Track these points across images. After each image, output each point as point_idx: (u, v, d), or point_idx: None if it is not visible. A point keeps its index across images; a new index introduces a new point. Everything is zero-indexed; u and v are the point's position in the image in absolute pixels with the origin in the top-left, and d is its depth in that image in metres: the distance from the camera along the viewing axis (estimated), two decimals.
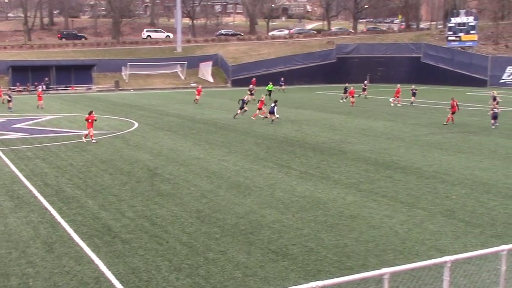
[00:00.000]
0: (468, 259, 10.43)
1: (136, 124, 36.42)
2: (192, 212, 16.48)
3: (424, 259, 11.99)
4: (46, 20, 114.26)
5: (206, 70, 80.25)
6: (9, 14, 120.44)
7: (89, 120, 29.22)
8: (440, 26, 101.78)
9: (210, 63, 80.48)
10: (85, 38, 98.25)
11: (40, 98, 47.65)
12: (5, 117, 41.27)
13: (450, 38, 79.27)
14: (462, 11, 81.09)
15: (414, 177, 20.86)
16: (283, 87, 65.40)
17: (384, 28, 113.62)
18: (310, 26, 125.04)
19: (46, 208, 16.99)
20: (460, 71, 74.92)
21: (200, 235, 14.45)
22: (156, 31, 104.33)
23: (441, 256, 9.40)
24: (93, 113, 29.90)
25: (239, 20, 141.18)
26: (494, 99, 38.33)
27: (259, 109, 39.09)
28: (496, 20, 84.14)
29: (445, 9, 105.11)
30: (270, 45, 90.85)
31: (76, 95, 65.48)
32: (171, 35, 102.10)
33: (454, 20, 78.92)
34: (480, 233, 14.54)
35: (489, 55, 75.10)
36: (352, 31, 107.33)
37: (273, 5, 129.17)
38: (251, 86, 54.70)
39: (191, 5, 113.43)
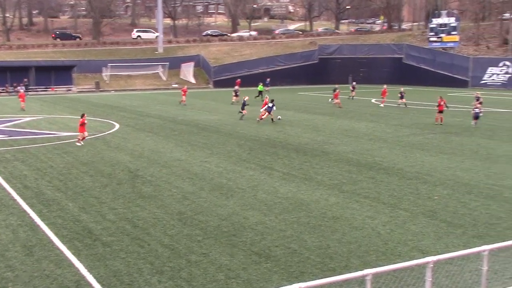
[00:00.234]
0: (450, 260, 10.47)
1: (117, 126, 36.16)
2: (174, 214, 16.37)
3: (406, 260, 12.02)
4: (25, 20, 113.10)
5: (187, 71, 79.96)
6: None
7: (85, 122, 28.69)
8: (422, 27, 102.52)
9: (191, 64, 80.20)
10: (80, 38, 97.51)
11: (22, 99, 47.18)
12: None
13: (431, 39, 79.77)
14: (444, 12, 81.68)
15: (397, 178, 20.94)
16: (268, 88, 65.31)
17: (371, 29, 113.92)
18: (292, 26, 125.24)
19: (25, 211, 16.77)
20: (442, 72, 75.46)
21: (182, 237, 14.35)
22: (146, 31, 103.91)
23: (423, 257, 9.40)
24: (85, 116, 29.30)
25: (221, 20, 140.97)
26: (478, 99, 38.69)
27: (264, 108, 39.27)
28: (477, 21, 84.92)
29: (426, 10, 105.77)
30: (252, 45, 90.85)
31: (56, 96, 64.88)
32: (161, 35, 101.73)
33: (436, 21, 79.44)
34: (462, 234, 14.62)
35: (470, 56, 75.76)
36: (339, 31, 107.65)
37: (255, 6, 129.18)
38: (236, 87, 54.51)
39: (173, 5, 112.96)
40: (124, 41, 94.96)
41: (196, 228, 15.07)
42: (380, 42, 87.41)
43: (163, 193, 18.89)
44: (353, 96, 55.12)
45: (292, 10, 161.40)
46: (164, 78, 79.19)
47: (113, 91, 71.89)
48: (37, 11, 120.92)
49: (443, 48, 78.71)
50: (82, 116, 29.03)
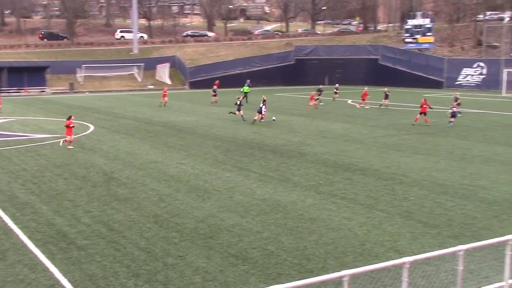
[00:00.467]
0: (426, 260, 10.53)
1: (92, 127, 35.79)
2: (150, 217, 16.24)
3: (383, 260, 12.06)
4: None
5: (163, 72, 79.52)
6: None
7: (71, 125, 28.17)
8: (397, 28, 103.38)
9: (167, 64, 79.76)
10: (67, 39, 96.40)
11: None
12: None
13: (407, 40, 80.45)
14: (419, 13, 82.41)
15: (373, 179, 21.03)
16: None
17: (356, 29, 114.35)
18: (268, 27, 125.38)
19: None
20: (417, 73, 76.11)
21: (158, 240, 14.25)
22: (130, 31, 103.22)
23: (400, 257, 9.45)
24: (72, 118, 28.82)
25: (196, 21, 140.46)
26: (456, 100, 39.12)
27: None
28: (451, 22, 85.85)
29: (401, 11, 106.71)
30: (228, 46, 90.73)
31: (29, 97, 64.03)
32: (145, 35, 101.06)
33: (411, 22, 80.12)
34: (438, 234, 14.72)
35: (445, 57, 76.58)
36: (318, 32, 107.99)
37: (231, 6, 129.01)
38: (214, 87, 54.30)
39: (148, 5, 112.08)
40: (99, 41, 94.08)
41: (173, 231, 14.97)
42: (356, 43, 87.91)
43: (138, 195, 18.73)
44: (334, 98, 54.97)
45: (268, 11, 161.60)
46: (139, 79, 78.66)
47: (87, 93, 71.18)
48: (9, 11, 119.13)
49: (418, 49, 79.45)
50: (69, 118, 28.51)
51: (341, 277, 8.04)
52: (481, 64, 72.30)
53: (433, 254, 9.62)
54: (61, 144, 28.55)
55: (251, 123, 37.13)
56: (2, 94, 64.54)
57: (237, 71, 79.03)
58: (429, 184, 20.15)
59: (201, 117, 41.86)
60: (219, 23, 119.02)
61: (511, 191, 19.07)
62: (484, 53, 76.37)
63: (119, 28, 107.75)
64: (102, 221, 15.83)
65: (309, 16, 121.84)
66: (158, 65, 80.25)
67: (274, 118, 39.00)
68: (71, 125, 28.13)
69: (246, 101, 50.74)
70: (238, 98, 40.70)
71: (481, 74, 72.05)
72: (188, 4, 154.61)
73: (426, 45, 78.82)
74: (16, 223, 15.61)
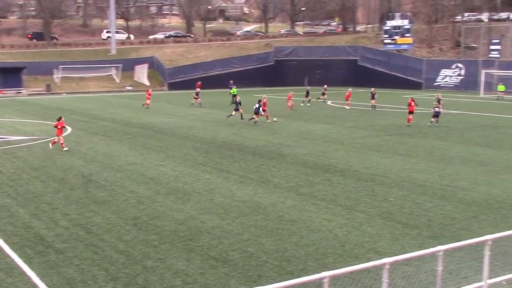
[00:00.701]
0: (406, 261, 10.57)
1: (69, 129, 35.36)
2: (129, 220, 16.11)
3: (363, 261, 12.06)
4: None
5: (141, 73, 79.03)
6: None
7: (58, 127, 27.72)
8: (376, 29, 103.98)
9: (145, 65, 79.28)
10: (56, 39, 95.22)
11: None
12: None
13: (386, 41, 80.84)
14: (397, 14, 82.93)
15: (353, 180, 21.09)
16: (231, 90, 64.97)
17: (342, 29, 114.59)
18: (248, 28, 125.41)
19: None
20: (396, 74, 76.55)
21: (137, 243, 14.14)
22: (116, 32, 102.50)
23: (380, 258, 9.46)
24: (62, 119, 28.43)
25: (175, 21, 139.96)
26: (438, 101, 39.46)
27: (264, 110, 39.31)
28: (430, 23, 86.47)
29: (380, 12, 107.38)
30: (208, 47, 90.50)
31: (5, 99, 63.13)
32: (132, 36, 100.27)
33: (390, 23, 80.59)
34: (417, 235, 14.79)
35: (423, 58, 77.18)
36: (301, 33, 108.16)
37: (209, 7, 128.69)
38: (197, 89, 54.04)
39: (125, 6, 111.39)
40: (76, 42, 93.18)
41: (152, 233, 14.86)
42: (335, 44, 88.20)
43: (117, 198, 18.58)
44: (319, 99, 54.92)
45: (247, 12, 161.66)
46: (117, 80, 78.09)
47: (64, 94, 70.49)
48: None
49: (397, 50, 79.95)
50: (59, 119, 28.08)
51: (321, 279, 8.03)
52: (460, 65, 73.04)
53: (412, 255, 9.66)
54: (50, 146, 28.10)
55: (253, 123, 37.22)
56: None
57: (216, 72, 78.90)
58: (409, 185, 20.26)
59: (180, 118, 41.68)
60: (198, 24, 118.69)
61: (490, 192, 19.24)
62: (462, 54, 77.16)
63: (96, 29, 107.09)
64: (80, 224, 15.66)
65: (288, 17, 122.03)
66: (137, 66, 79.78)
67: (275, 119, 39.13)
68: (59, 126, 27.69)
69: (232, 103, 50.54)
70: (236, 98, 40.60)
71: (459, 75, 72.75)
72: (167, 5, 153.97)
73: (405, 46, 79.34)
74: None
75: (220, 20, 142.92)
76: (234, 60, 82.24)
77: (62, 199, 18.44)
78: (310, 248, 13.77)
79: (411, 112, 36.65)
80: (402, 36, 78.80)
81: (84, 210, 17.13)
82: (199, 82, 60.57)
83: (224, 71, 79.45)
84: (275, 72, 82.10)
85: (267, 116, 39.24)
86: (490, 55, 72.09)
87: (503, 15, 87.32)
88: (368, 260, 12.19)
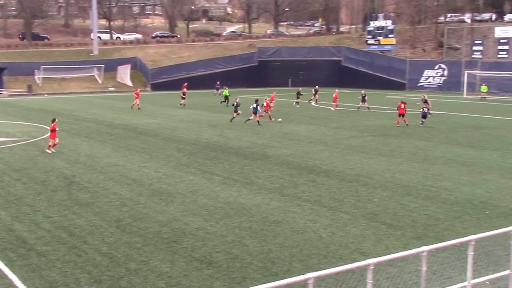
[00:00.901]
0: (390, 261, 10.56)
1: None
2: (112, 222, 15.98)
3: (348, 262, 12.01)
4: None
5: (124, 74, 78.55)
6: None
7: (56, 129, 27.34)
8: (360, 30, 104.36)
9: (128, 66, 78.82)
10: (48, 39, 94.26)
11: None
12: None
13: (369, 41, 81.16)
14: (381, 15, 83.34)
15: (337, 181, 21.11)
16: (219, 90, 64.97)
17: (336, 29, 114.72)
18: (231, 28, 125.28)
19: None
20: (380, 75, 76.80)
21: (121, 245, 14.03)
22: (106, 31, 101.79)
23: (364, 259, 9.43)
24: (56, 121, 27.97)
25: (158, 22, 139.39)
26: (425, 102, 39.70)
27: (265, 111, 39.59)
28: (413, 24, 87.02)
29: (364, 13, 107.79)
30: (191, 48, 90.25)
31: None
32: (121, 36, 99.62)
33: (373, 24, 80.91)
34: (402, 235, 14.83)
35: (407, 59, 77.60)
36: (287, 33, 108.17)
37: (193, 7, 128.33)
38: (184, 90, 53.82)
39: (108, 5, 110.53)
40: (57, 42, 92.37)
41: (135, 235, 14.75)
42: (318, 44, 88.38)
43: (100, 199, 18.43)
44: (317, 100, 54.86)
45: (230, 12, 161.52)
46: (100, 81, 77.57)
47: (46, 95, 69.88)
48: None
49: (381, 51, 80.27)
50: (53, 121, 27.68)
51: (306, 280, 8.01)
52: (443, 65, 73.58)
53: (396, 256, 9.65)
54: (48, 150, 27.63)
55: (257, 124, 37.39)
56: None
57: (200, 73, 78.72)
58: (393, 186, 20.32)
59: (163, 119, 41.51)
60: (181, 24, 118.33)
61: (473, 192, 19.36)
62: (445, 55, 77.73)
63: (78, 29, 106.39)
64: (63, 227, 15.52)
65: (272, 18, 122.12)
66: (119, 67, 79.29)
67: (280, 119, 39.28)
68: (55, 129, 27.27)
69: (226, 105, 50.44)
70: (235, 100, 40.56)
71: (442, 75, 73.26)
72: (149, 5, 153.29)
73: (388, 47, 79.71)
74: None
75: (204, 21, 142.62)
76: (218, 61, 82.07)
77: (44, 201, 18.25)
78: (294, 249, 13.74)
79: (401, 115, 36.83)
80: (386, 36, 79.17)
81: (66, 212, 16.96)
82: (186, 83, 60.44)
83: (208, 72, 79.29)
84: (259, 72, 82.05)
85: (269, 117, 39.56)
86: (473, 56, 72.78)
87: (486, 16, 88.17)
88: (353, 261, 12.16)
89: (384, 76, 76.39)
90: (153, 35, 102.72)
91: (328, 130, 35.44)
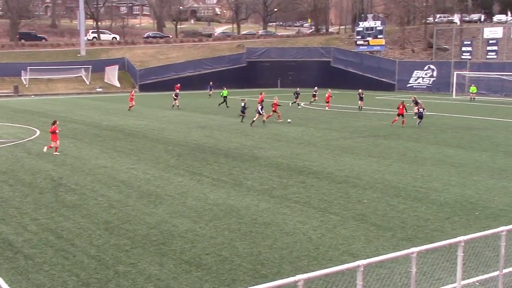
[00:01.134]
0: (380, 263, 10.53)
1: (38, 132, 34.85)
2: (100, 224, 15.84)
3: (337, 264, 11.99)
4: None
5: (112, 75, 78.19)
6: None
7: (56, 131, 26.91)
8: (349, 31, 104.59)
9: (116, 67, 78.48)
10: (45, 40, 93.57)
11: None
12: None
13: (358, 42, 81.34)
14: (370, 16, 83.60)
15: (327, 182, 21.06)
16: (211, 91, 64.90)
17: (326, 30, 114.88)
18: (220, 29, 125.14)
19: None
20: (369, 75, 76.89)
21: (109, 247, 13.92)
22: (102, 32, 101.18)
23: (354, 261, 9.39)
24: (57, 123, 27.60)
25: (146, 22, 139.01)
26: (417, 103, 39.80)
27: (274, 111, 39.51)
28: (402, 25, 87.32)
29: (353, 13, 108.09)
30: (179, 48, 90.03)
31: None
32: (117, 36, 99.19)
33: (362, 25, 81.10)
34: (392, 237, 14.81)
35: (396, 60, 77.86)
36: (278, 33, 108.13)
37: (181, 7, 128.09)
38: (177, 91, 53.62)
39: (95, 6, 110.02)
40: (44, 43, 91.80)
41: (124, 238, 14.64)
42: (308, 45, 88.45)
43: (88, 201, 18.28)
44: (313, 101, 54.81)
45: (219, 12, 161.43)
46: (87, 82, 77.14)
47: (33, 96, 69.42)
48: None
49: (370, 52, 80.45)
50: (54, 123, 27.31)
51: (295, 282, 7.95)
52: (432, 66, 73.90)
53: (386, 257, 9.62)
54: (44, 150, 27.28)
55: (262, 124, 37.55)
56: None
57: (188, 74, 78.54)
58: (382, 187, 20.30)
59: (151, 120, 41.33)
60: (169, 25, 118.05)
61: (462, 193, 19.37)
62: (434, 55, 78.07)
63: (65, 29, 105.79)
64: (50, 229, 15.37)
65: (261, 18, 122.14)
66: (107, 67, 78.93)
67: (289, 120, 39.33)
68: (56, 131, 26.93)
69: (226, 106, 50.25)
70: (243, 101, 40.50)
71: (431, 76, 73.57)
72: (137, 5, 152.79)
73: (378, 48, 79.92)
74: None
75: (192, 21, 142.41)
76: (206, 62, 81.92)
77: (31, 203, 18.08)
78: (284, 251, 13.68)
79: (399, 115, 37.08)
80: (375, 37, 79.38)
81: (54, 214, 16.81)
82: (179, 84, 60.32)
83: (196, 73, 79.17)
84: (248, 73, 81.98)
85: (278, 116, 39.71)
86: (462, 57, 73.16)
87: (474, 16, 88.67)
88: (343, 262, 12.10)
89: (374, 77, 76.50)
90: (145, 35, 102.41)
91: (318, 131, 35.42)
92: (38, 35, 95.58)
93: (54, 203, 18.13)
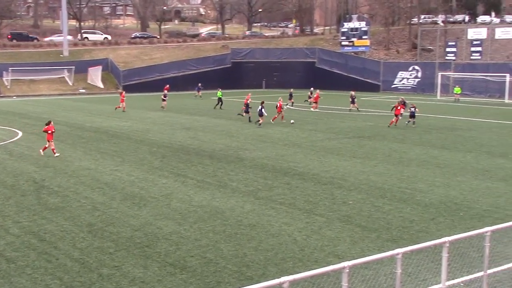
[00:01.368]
0: (366, 264, 10.49)
1: (20, 134, 34.52)
2: (84, 226, 15.71)
3: (323, 265, 11.99)
4: None
5: (95, 75, 77.58)
6: None
7: (48, 132, 26.55)
8: (334, 31, 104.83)
9: (99, 67, 77.90)
10: (37, 40, 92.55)
11: None
12: None
13: (343, 43, 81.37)
14: (354, 16, 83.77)
15: (312, 183, 21.05)
16: (200, 92, 64.64)
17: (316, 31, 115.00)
18: (204, 29, 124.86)
19: None
20: (354, 76, 76.84)
21: (92, 250, 13.80)
22: (94, 32, 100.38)
23: (339, 262, 9.37)
24: (52, 123, 27.22)
25: (129, 22, 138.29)
26: (404, 103, 40.02)
27: (279, 112, 39.48)
28: (387, 25, 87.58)
29: (338, 14, 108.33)
30: (163, 49, 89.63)
31: None
32: (109, 36, 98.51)
33: (347, 25, 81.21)
34: (377, 238, 14.82)
35: (381, 60, 78.09)
36: (266, 34, 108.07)
37: (165, 8, 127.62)
38: (165, 91, 53.37)
39: (78, 6, 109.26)
40: (26, 43, 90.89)
41: (108, 240, 14.53)
42: (292, 46, 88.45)
43: (71, 204, 18.12)
44: (311, 102, 54.74)
45: (203, 13, 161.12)
46: (70, 83, 76.49)
47: (15, 97, 68.69)
48: None
49: (355, 52, 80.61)
50: (49, 123, 26.95)
51: (281, 284, 7.91)
52: (416, 67, 74.20)
53: (371, 258, 9.60)
54: (41, 153, 26.92)
55: (258, 126, 37.45)
56: None
57: (172, 75, 78.16)
58: (368, 188, 20.33)
59: (135, 122, 41.10)
60: (153, 25, 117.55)
61: (447, 194, 19.46)
62: (419, 56, 78.48)
63: (47, 29, 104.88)
64: (33, 232, 15.23)
65: (245, 18, 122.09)
66: (90, 68, 78.33)
67: (292, 121, 39.27)
68: (49, 131, 26.58)
69: (221, 107, 50.03)
70: (247, 100, 40.37)
71: (416, 77, 73.84)
72: (121, 5, 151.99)
73: (362, 48, 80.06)
74: None
75: (176, 21, 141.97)
76: (191, 62, 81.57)
77: (13, 206, 17.89)
78: (269, 253, 13.65)
79: (396, 115, 37.44)
80: (360, 38, 79.50)
81: (36, 217, 16.65)
82: (167, 85, 60.11)
83: (181, 74, 78.83)
84: (233, 74, 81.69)
85: (282, 117, 39.68)
86: (446, 58, 73.59)
87: (459, 17, 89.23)
88: (328, 264, 12.08)
89: (358, 77, 76.54)
90: (132, 36, 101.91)
91: (303, 132, 35.42)
92: (30, 35, 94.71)
93: (36, 205, 17.97)
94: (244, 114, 40.45)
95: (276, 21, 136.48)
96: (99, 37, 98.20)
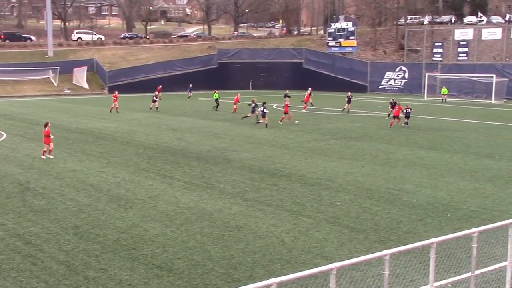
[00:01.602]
0: (353, 265, 10.45)
1: (4, 135, 34.19)
2: (69, 229, 15.57)
3: (310, 267, 11.97)
4: None
5: (80, 76, 77.07)
6: None
7: (48, 135, 26.21)
8: (321, 32, 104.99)
9: (84, 68, 77.39)
10: (30, 40, 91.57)
11: None
12: None
13: (330, 43, 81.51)
14: (341, 17, 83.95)
15: (299, 185, 21.01)
16: (191, 93, 64.38)
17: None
18: (190, 29, 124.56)
19: None
20: (341, 77, 77.06)
21: (78, 252, 13.68)
22: (87, 33, 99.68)
23: (327, 264, 9.35)
24: (49, 125, 26.87)
25: (115, 23, 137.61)
26: (395, 103, 40.10)
27: (285, 113, 39.35)
28: (374, 26, 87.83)
29: (324, 14, 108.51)
30: (149, 49, 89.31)
31: None
32: (102, 37, 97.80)
33: (334, 26, 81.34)
34: (364, 239, 14.81)
35: (368, 61, 78.30)
36: (255, 35, 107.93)
37: (150, 8, 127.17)
38: (156, 93, 53.10)
39: (62, 6, 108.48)
40: (10, 44, 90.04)
41: (94, 243, 14.40)
42: (279, 46, 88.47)
43: (56, 206, 17.95)
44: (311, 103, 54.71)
45: (189, 13, 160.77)
46: (55, 83, 75.95)
47: None
48: None
49: (342, 53, 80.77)
50: (46, 125, 26.61)
51: (268, 286, 7.86)
52: (403, 68, 74.55)
53: (359, 260, 9.57)
54: (43, 156, 26.59)
55: (260, 127, 37.48)
56: None
57: (158, 75, 77.87)
58: (355, 189, 20.33)
59: (121, 123, 40.86)
60: (138, 25, 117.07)
61: (434, 195, 19.51)
62: (406, 57, 78.81)
63: (32, 30, 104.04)
64: (18, 234, 15.07)
65: (232, 19, 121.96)
66: (75, 69, 77.83)
67: (297, 121, 39.26)
68: (47, 134, 26.23)
69: (216, 109, 49.78)
70: (253, 101, 40.28)
71: (403, 78, 74.19)
72: (106, 5, 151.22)
73: (349, 49, 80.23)
74: None
75: (162, 22, 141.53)
76: (177, 63, 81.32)
77: None
78: (257, 254, 13.59)
79: (395, 117, 37.74)
80: (347, 38, 79.65)
81: (21, 219, 16.47)
82: (160, 86, 59.92)
83: (167, 74, 78.59)
84: (219, 75, 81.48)
85: (289, 117, 39.64)
86: (433, 58, 74.01)
87: (445, 18, 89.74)
88: (316, 265, 12.07)
89: (346, 78, 76.67)
90: (121, 36, 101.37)
91: (290, 133, 35.41)
92: (23, 35, 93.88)
93: (21, 207, 17.77)
94: (249, 114, 40.24)
95: (262, 21, 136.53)
96: (93, 37, 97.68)
